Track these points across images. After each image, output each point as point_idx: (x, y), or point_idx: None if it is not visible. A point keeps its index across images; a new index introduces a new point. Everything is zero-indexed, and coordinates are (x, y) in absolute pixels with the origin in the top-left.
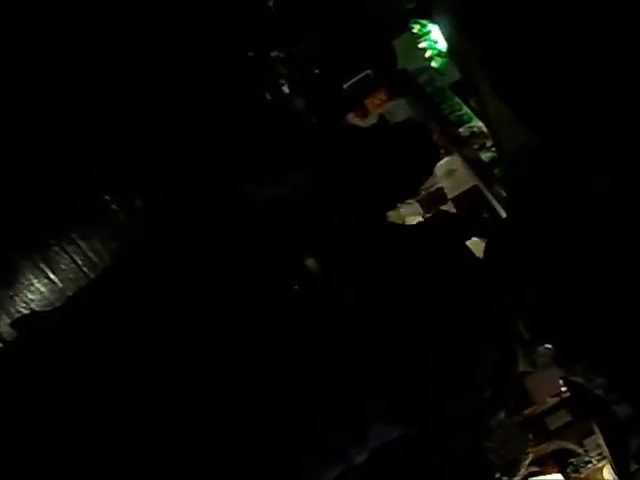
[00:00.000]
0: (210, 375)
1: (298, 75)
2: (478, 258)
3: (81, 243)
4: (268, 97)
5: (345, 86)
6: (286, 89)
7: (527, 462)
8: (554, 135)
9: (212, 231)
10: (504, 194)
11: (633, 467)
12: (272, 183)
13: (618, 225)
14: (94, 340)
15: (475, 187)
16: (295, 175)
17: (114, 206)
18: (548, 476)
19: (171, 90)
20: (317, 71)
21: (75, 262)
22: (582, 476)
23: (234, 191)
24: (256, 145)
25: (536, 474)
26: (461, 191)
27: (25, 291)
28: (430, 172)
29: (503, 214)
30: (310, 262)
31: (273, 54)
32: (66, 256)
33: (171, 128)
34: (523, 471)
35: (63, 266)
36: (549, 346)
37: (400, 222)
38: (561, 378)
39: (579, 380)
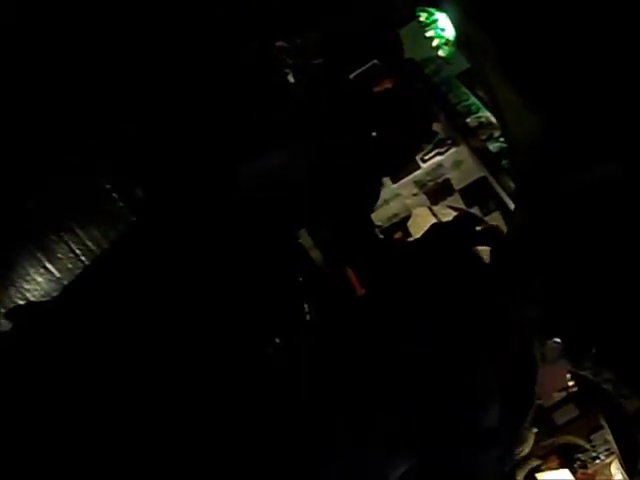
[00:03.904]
0: (210, 369)
1: (303, 65)
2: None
3: (80, 232)
4: (272, 86)
5: (351, 76)
6: (291, 78)
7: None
8: (565, 123)
9: (210, 218)
10: (513, 185)
11: None
12: (271, 170)
13: (630, 216)
14: (91, 331)
15: (483, 178)
16: (294, 161)
17: (114, 195)
18: (555, 472)
19: (172, 81)
20: (322, 61)
21: (73, 251)
22: (589, 472)
23: (233, 177)
24: (258, 131)
25: (543, 469)
26: (469, 182)
27: (21, 281)
28: (428, 138)
29: (511, 206)
30: (315, 253)
31: (278, 44)
32: (64, 245)
33: (172, 115)
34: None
35: (60, 255)
36: (558, 340)
37: (406, 214)
38: (569, 372)
39: (587, 374)
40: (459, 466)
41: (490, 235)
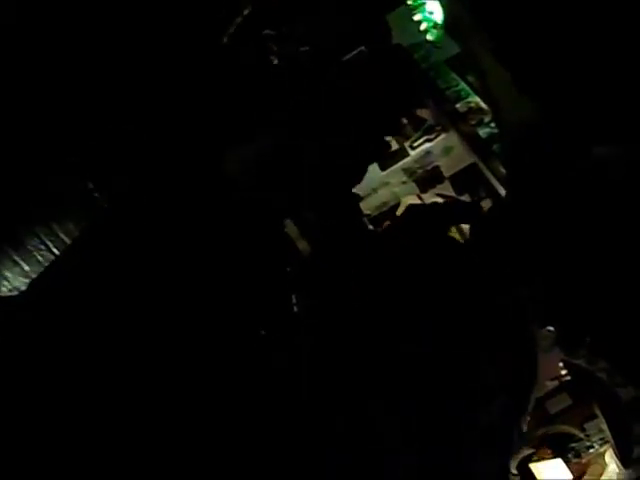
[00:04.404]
0: (199, 363)
1: (289, 52)
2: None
3: (53, 224)
4: (257, 72)
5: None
6: (278, 66)
7: None
8: (559, 107)
9: (197, 212)
10: (504, 172)
11: (636, 452)
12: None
13: (624, 203)
14: (62, 325)
15: (473, 165)
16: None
17: (91, 186)
18: (548, 461)
19: (153, 71)
20: (309, 48)
21: (44, 244)
22: (583, 461)
23: (218, 168)
24: (242, 119)
25: (536, 459)
26: (459, 169)
27: None
28: (412, 101)
29: (503, 192)
30: (302, 244)
31: (265, 32)
32: (34, 238)
33: (155, 109)
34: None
35: (30, 248)
36: (551, 328)
37: (394, 202)
38: (562, 361)
39: (581, 363)
40: (459, 466)
41: (470, 211)
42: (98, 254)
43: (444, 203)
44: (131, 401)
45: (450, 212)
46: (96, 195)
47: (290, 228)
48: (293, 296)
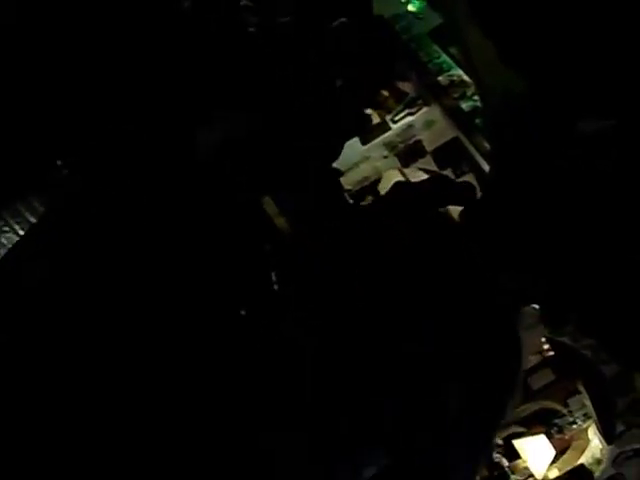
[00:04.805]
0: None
1: (269, 24)
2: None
3: (19, 205)
4: (235, 44)
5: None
6: (256, 37)
7: None
8: (545, 80)
9: (172, 191)
10: (487, 146)
11: (620, 428)
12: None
13: (610, 177)
14: (31, 307)
15: (455, 139)
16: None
17: (60, 164)
18: (531, 437)
19: (126, 43)
20: (289, 19)
21: (9, 225)
22: (566, 437)
23: (191, 141)
24: (218, 91)
25: (520, 435)
26: (441, 143)
27: None
28: (390, 69)
29: (485, 167)
30: (280, 221)
31: (242, 3)
32: (7, 227)
33: (128, 86)
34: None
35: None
36: (536, 306)
37: (376, 177)
38: (545, 338)
39: (566, 341)
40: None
41: (462, 193)
42: (64, 233)
43: (434, 184)
44: (103, 385)
45: (443, 195)
46: (61, 165)
47: (268, 205)
48: (272, 274)
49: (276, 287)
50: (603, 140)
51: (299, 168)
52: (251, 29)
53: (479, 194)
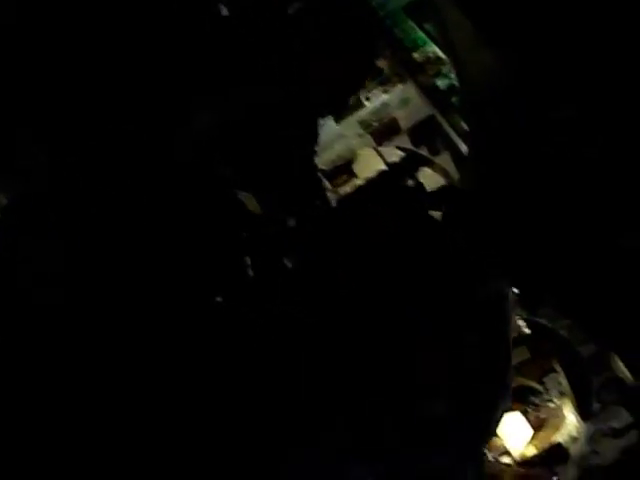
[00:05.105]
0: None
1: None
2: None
3: None
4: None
5: (290, 11)
6: (225, 12)
7: None
8: (525, 58)
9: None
10: (463, 124)
11: (596, 406)
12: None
13: (586, 158)
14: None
15: (431, 117)
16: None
17: (34, 150)
18: (507, 414)
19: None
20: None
21: None
22: (542, 415)
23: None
24: (191, 70)
25: None
26: (416, 121)
27: None
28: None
29: (462, 146)
30: (253, 205)
31: None
32: None
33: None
34: None
35: None
36: (514, 290)
37: (350, 156)
38: (523, 319)
39: (543, 321)
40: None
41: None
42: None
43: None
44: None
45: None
46: (35, 151)
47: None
48: (247, 259)
49: (251, 274)
50: (589, 127)
51: (285, 157)
52: (220, 5)
53: (455, 173)
